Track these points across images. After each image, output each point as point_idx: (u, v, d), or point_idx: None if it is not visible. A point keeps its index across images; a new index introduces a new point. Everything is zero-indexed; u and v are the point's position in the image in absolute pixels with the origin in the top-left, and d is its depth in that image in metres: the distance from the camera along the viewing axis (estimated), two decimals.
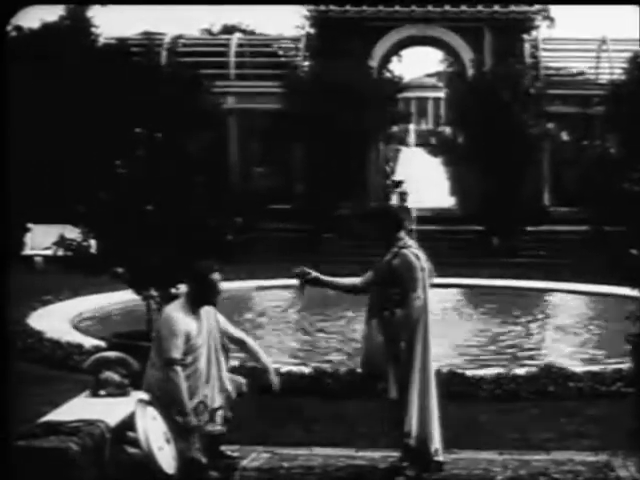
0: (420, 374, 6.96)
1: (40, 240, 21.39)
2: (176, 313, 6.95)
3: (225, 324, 7.23)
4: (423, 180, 32.50)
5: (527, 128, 27.08)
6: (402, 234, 7.09)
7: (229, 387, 7.09)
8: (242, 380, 7.31)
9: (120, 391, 7.20)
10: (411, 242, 7.12)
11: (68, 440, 5.69)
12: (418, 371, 6.96)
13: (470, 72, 29.04)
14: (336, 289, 7.63)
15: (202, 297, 7.01)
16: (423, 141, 46.33)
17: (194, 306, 6.98)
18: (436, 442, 6.98)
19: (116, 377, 7.21)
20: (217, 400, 6.99)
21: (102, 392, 7.21)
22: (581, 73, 30.69)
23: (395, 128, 37.16)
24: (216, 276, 7.04)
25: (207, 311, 7.10)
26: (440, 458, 7.02)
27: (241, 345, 7.31)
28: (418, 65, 56.93)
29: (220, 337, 7.13)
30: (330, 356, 12.13)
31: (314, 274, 7.28)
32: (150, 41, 30.34)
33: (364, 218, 7.35)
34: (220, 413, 6.97)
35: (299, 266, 7.36)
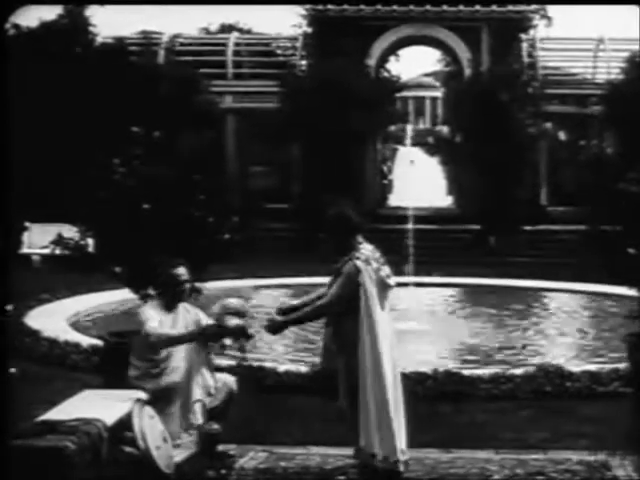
0: (373, 388, 6.55)
1: (38, 239, 21.38)
2: (146, 309, 7.10)
3: (205, 320, 7.22)
4: (420, 179, 32.49)
5: (524, 127, 27.11)
6: (359, 239, 6.77)
7: (211, 383, 7.12)
8: (232, 379, 7.32)
9: (242, 342, 7.02)
10: (367, 249, 6.76)
11: (65, 439, 5.68)
12: (369, 385, 6.56)
13: (467, 72, 29.05)
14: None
15: (166, 294, 7.09)
16: (420, 140, 46.29)
17: (165, 303, 7.09)
18: (398, 455, 6.57)
19: (241, 322, 7.01)
20: (197, 393, 7.04)
21: (228, 342, 7.08)
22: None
23: (392, 127, 37.11)
24: (178, 271, 7.12)
25: (187, 309, 7.17)
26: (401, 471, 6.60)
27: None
28: (416, 64, 56.92)
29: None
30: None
31: (282, 321, 6.85)
32: (148, 40, 30.35)
33: (321, 223, 6.93)
34: (199, 405, 7.01)
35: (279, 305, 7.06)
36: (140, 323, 6.98)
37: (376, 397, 6.57)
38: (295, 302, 7.07)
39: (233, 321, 6.83)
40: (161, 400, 6.89)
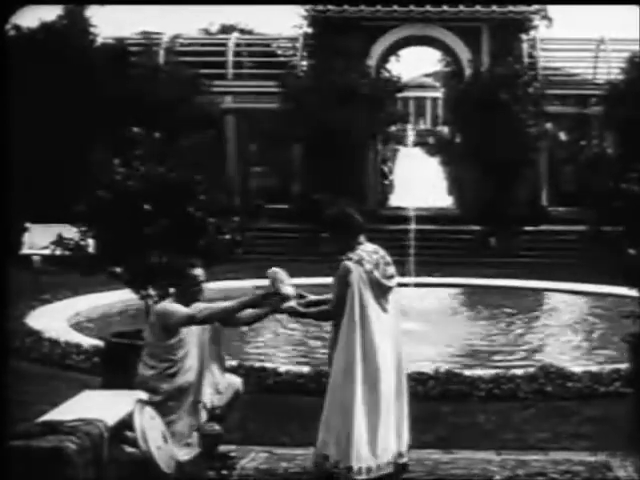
0: (341, 389, 6.50)
1: (38, 239, 21.36)
2: (168, 303, 7.05)
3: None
4: (421, 180, 32.48)
5: (525, 128, 27.10)
6: (360, 239, 6.73)
7: (220, 380, 7.12)
8: (238, 380, 7.33)
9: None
10: (366, 249, 6.71)
11: (66, 440, 5.67)
12: (337, 385, 6.53)
13: (468, 72, 29.04)
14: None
15: (184, 293, 7.05)
16: (421, 141, 46.31)
17: (180, 303, 7.03)
18: (352, 462, 6.38)
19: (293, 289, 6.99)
20: (207, 392, 7.03)
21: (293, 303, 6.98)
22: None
23: (393, 128, 37.07)
24: (196, 271, 7.08)
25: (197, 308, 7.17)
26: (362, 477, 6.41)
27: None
28: (416, 65, 56.95)
29: (216, 332, 7.17)
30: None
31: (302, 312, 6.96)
32: (148, 41, 30.33)
33: (323, 223, 6.91)
34: (201, 406, 7.00)
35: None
36: (168, 316, 6.87)
37: (343, 399, 6.49)
38: (315, 297, 7.04)
39: (288, 288, 6.83)
40: (173, 399, 6.87)
